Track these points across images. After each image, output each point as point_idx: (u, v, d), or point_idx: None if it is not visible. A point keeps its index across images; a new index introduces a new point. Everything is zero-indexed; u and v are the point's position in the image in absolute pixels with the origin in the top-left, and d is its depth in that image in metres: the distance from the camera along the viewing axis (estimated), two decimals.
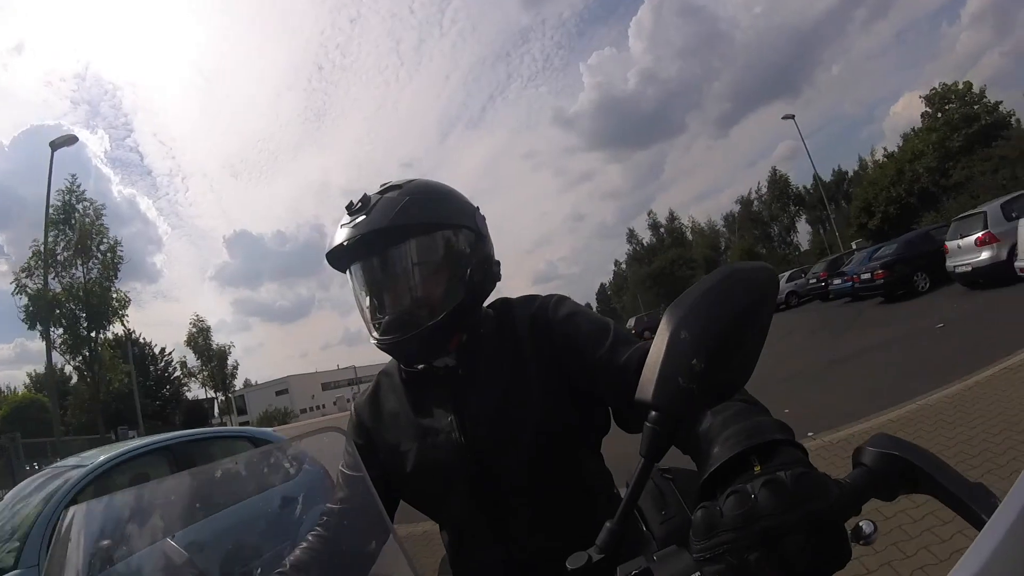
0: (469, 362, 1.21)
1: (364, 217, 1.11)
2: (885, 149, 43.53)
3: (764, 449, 0.64)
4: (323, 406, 64.69)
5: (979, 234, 12.32)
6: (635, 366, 1.04)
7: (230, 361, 42.34)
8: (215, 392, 42.56)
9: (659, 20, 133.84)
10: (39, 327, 21.85)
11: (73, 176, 24.79)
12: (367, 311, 1.20)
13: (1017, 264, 10.38)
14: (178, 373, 35.46)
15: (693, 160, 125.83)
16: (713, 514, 0.57)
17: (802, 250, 55.10)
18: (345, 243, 1.12)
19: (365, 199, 1.14)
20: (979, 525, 0.51)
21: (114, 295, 24.77)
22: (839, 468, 0.72)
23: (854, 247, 28.04)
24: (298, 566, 1.06)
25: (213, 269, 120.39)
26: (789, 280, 28.74)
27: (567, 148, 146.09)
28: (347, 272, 1.22)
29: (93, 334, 24.33)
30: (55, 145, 19.28)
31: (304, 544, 1.11)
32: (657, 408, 0.62)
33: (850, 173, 53.77)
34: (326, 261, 1.21)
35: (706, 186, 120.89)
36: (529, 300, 1.28)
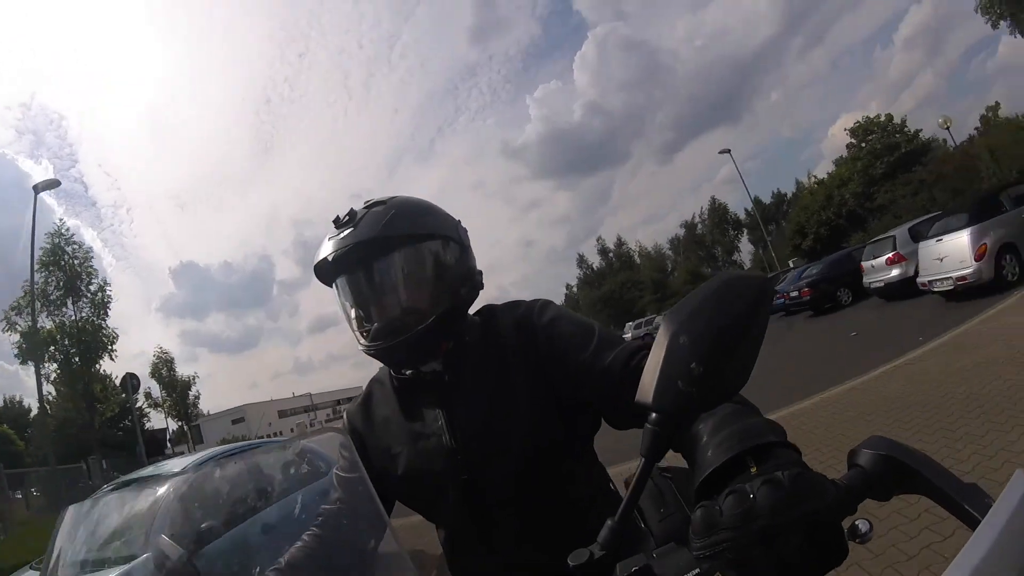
0: (456, 368, 1.23)
1: (352, 230, 1.14)
2: (815, 176, 45.57)
3: (759, 451, 0.64)
4: (280, 433, 63.45)
5: (889, 254, 13.90)
6: (620, 367, 1.07)
7: (192, 392, 41.56)
8: (179, 421, 41.74)
9: (603, 54, 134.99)
10: (31, 363, 21.93)
11: (61, 220, 25.27)
12: (355, 320, 1.22)
13: (919, 280, 11.77)
14: (140, 404, 34.75)
15: (639, 186, 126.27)
16: (712, 513, 0.57)
17: (745, 269, 56.50)
18: (334, 255, 1.15)
19: (352, 213, 1.17)
20: (973, 525, 0.52)
21: (104, 332, 24.99)
22: None
23: (791, 265, 29.55)
24: (294, 564, 1.08)
25: (159, 300, 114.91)
26: None
27: (515, 178, 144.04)
28: (333, 285, 1.24)
29: (85, 368, 24.43)
30: (38, 188, 19.39)
31: (300, 543, 1.12)
32: (657, 410, 0.63)
33: (789, 195, 55.24)
34: (314, 274, 1.25)
35: (652, 210, 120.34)
36: (514, 306, 1.30)
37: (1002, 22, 20.28)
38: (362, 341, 1.20)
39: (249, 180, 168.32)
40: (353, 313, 1.22)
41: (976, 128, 32.06)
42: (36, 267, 22.22)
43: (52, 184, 20.17)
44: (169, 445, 40.27)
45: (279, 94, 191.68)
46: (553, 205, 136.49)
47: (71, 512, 1.03)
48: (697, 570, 0.59)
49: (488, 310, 1.34)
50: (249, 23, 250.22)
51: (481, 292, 1.31)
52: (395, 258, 1.16)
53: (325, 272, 1.22)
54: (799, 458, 0.64)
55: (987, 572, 0.45)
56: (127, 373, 19.90)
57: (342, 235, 1.15)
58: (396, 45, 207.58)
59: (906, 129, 33.78)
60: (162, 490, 1.15)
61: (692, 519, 0.58)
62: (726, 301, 0.64)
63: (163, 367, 38.84)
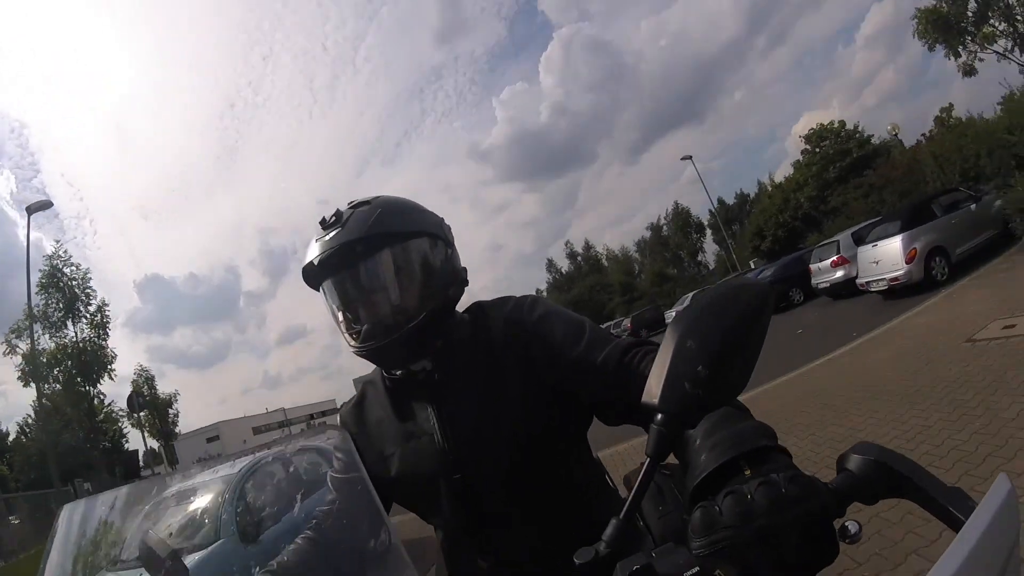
0: (446, 366, 1.22)
1: (340, 230, 1.13)
2: (773, 180, 46.72)
3: (752, 454, 0.67)
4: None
5: (834, 258, 15.10)
6: (614, 364, 1.08)
7: (171, 410, 39.85)
8: (159, 441, 40.51)
9: (568, 55, 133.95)
10: (33, 384, 22.41)
11: (58, 242, 26.13)
12: (345, 321, 1.20)
13: (858, 281, 12.96)
14: (120, 424, 33.97)
15: (606, 187, 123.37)
16: (712, 513, 0.60)
17: (711, 268, 56.18)
18: (324, 255, 1.13)
19: (338, 214, 1.17)
20: (957, 527, 0.54)
21: (104, 351, 25.51)
22: None
23: (752, 266, 30.74)
24: (286, 567, 1.11)
25: (124, 315, 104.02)
26: (693, 299, 31.25)
27: (483, 180, 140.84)
28: (320, 288, 1.22)
29: (88, 389, 25.00)
30: (31, 209, 19.39)
31: (293, 546, 1.14)
32: (664, 411, 0.65)
33: (751, 195, 55.28)
34: (302, 278, 1.23)
35: (620, 211, 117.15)
36: (503, 302, 1.29)
37: (938, 45, 21.39)
38: (353, 342, 1.20)
39: (214, 187, 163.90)
40: (343, 315, 1.21)
41: (922, 134, 33.42)
42: (35, 289, 22.54)
43: (45, 205, 20.16)
44: (143, 465, 39.23)
45: (243, 98, 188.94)
46: (521, 207, 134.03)
47: (67, 511, 1.05)
48: (697, 568, 0.60)
49: (477, 307, 1.33)
50: (212, 25, 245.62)
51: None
52: (384, 256, 1.16)
53: (313, 275, 1.21)
54: (790, 461, 0.66)
55: (969, 572, 0.47)
56: (133, 391, 19.89)
57: (330, 236, 1.14)
58: (361, 47, 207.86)
59: (858, 135, 35.32)
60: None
61: (692, 519, 0.61)
62: (731, 307, 0.67)
63: (144, 385, 38.03)
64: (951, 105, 24.67)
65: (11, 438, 36.90)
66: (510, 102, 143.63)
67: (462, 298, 1.29)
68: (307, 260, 1.17)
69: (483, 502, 1.16)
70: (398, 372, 1.27)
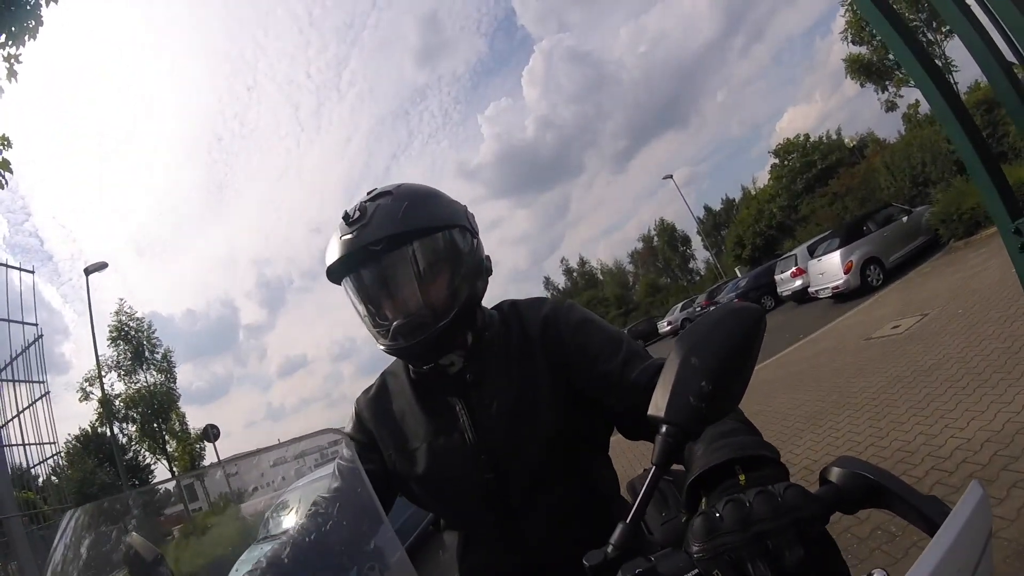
0: (478, 363, 1.21)
1: (366, 225, 1.10)
2: (755, 186, 48.44)
3: (749, 461, 0.71)
4: (272, 482, 62.72)
5: (793, 269, 17.42)
6: (645, 384, 1.05)
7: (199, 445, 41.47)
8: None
9: (549, 68, 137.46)
10: (106, 426, 25.52)
11: (121, 300, 30.43)
12: (373, 318, 1.18)
13: (809, 289, 15.52)
14: (148, 461, 35.66)
15: (596, 197, 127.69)
16: (713, 519, 0.63)
17: (703, 275, 57.30)
18: (349, 254, 1.10)
19: (362, 208, 1.12)
20: (932, 532, 0.56)
21: (173, 392, 29.06)
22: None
23: (737, 273, 32.87)
24: (278, 556, 1.06)
25: None
26: (682, 309, 33.63)
27: (473, 199, 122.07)
28: (343, 283, 1.19)
29: (159, 426, 28.32)
30: (88, 271, 20.25)
31: (285, 538, 1.10)
32: (670, 423, 0.69)
33: (737, 199, 56.33)
34: (326, 277, 1.19)
35: (612, 220, 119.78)
36: (538, 303, 1.29)
37: (869, 84, 24.12)
38: (382, 340, 1.17)
39: (206, 221, 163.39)
40: (370, 311, 1.18)
41: (877, 141, 35.60)
42: (106, 342, 26.02)
43: (101, 266, 20.88)
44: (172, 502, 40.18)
45: (230, 130, 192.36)
46: (513, 223, 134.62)
47: (73, 515, 1.04)
48: (696, 571, 0.63)
49: (509, 305, 1.32)
50: (195, 58, 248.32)
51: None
52: (413, 253, 1.12)
53: (337, 272, 1.18)
54: (787, 474, 0.71)
55: (945, 571, 0.50)
56: (208, 424, 20.91)
57: (356, 232, 1.10)
58: (344, 72, 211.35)
59: (822, 146, 37.26)
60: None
61: (692, 524, 0.65)
62: (730, 328, 0.72)
63: (177, 422, 39.44)
64: (917, 102, 25.78)
65: (41, 479, 38.44)
66: (495, 118, 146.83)
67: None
68: (331, 259, 1.14)
69: (511, 502, 1.16)
70: (425, 367, 1.23)
